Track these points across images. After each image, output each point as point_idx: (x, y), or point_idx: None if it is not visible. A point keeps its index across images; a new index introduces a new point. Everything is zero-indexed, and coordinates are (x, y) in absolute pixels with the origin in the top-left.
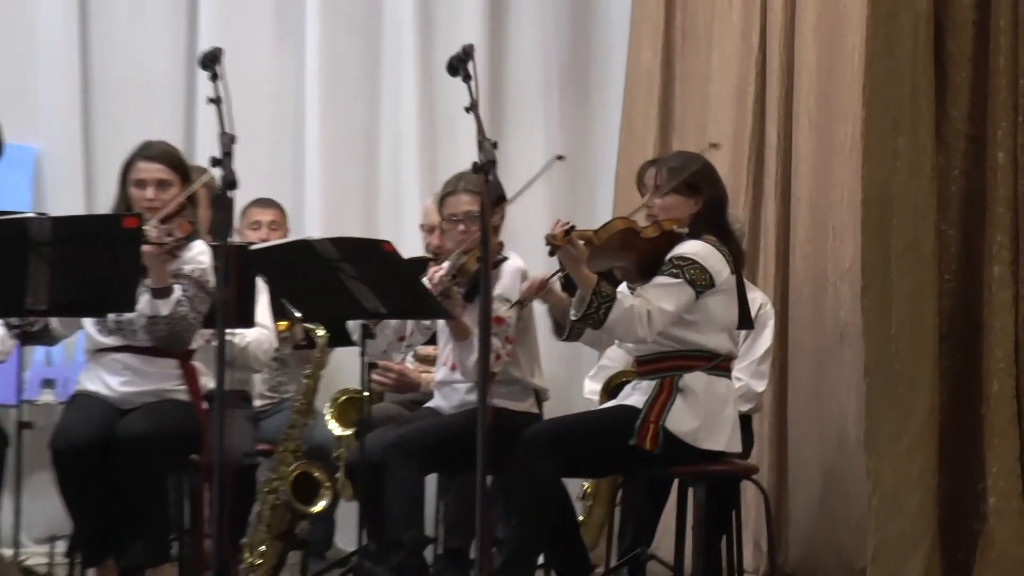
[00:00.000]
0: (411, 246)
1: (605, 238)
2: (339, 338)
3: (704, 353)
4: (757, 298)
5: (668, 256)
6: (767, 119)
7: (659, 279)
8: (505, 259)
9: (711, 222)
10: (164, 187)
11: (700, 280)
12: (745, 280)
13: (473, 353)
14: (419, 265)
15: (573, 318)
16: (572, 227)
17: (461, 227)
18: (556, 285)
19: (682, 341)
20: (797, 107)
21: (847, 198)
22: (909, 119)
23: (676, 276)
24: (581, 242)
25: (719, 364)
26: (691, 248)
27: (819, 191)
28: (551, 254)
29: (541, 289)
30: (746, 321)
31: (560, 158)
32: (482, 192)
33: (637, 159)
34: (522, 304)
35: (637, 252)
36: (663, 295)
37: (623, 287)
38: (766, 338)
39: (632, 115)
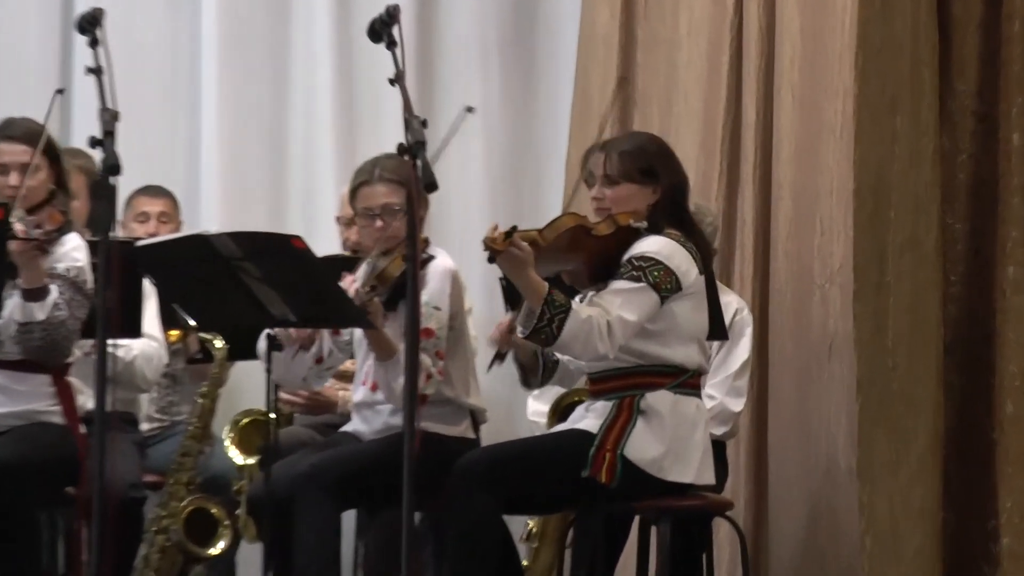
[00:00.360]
0: (326, 242)
1: (553, 238)
2: (240, 350)
3: (669, 368)
4: (732, 303)
5: (626, 256)
6: (744, 93)
7: (617, 284)
8: (431, 258)
9: (672, 213)
10: (29, 172)
11: (665, 283)
12: (718, 282)
13: (401, 374)
14: (336, 264)
15: (521, 334)
16: (514, 228)
17: (378, 223)
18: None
19: (643, 355)
20: (779, 79)
21: (837, 187)
22: (909, 95)
23: (637, 279)
24: (525, 244)
25: (687, 381)
26: (652, 246)
27: (804, 178)
28: (490, 260)
29: (511, 332)
30: (719, 330)
31: (470, 110)
32: (409, 180)
33: (592, 141)
34: (502, 358)
35: (589, 252)
36: (624, 302)
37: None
38: (743, 349)
39: (586, 89)
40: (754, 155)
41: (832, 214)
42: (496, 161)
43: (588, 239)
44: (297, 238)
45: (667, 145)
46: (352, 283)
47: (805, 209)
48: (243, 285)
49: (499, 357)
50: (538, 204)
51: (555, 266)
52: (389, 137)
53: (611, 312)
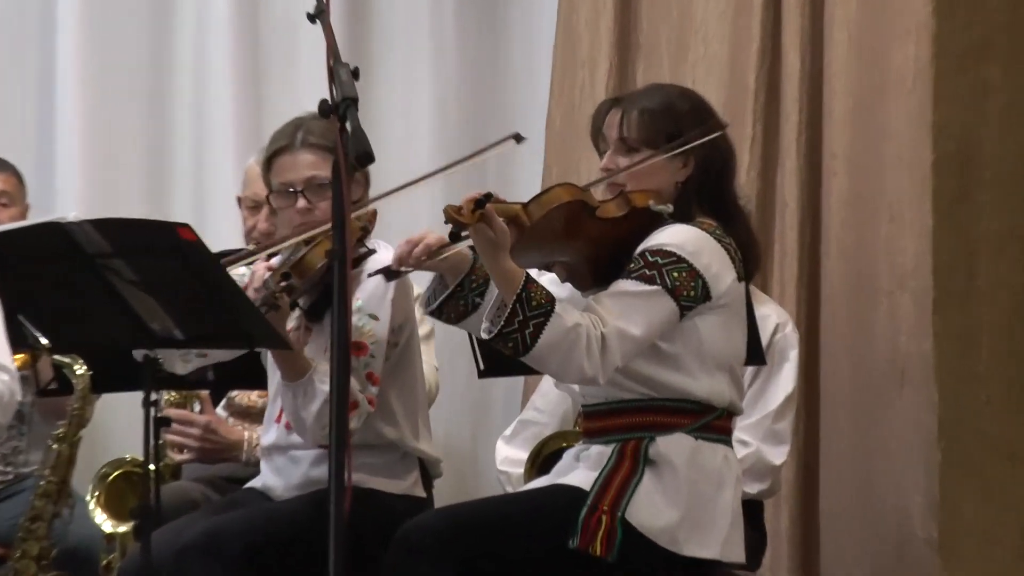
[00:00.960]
0: (223, 232)
1: (540, 216)
2: (109, 378)
3: (689, 404)
4: (770, 316)
5: (639, 248)
6: (784, 33)
7: (622, 284)
8: (370, 252)
9: (709, 196)
10: None
11: (687, 288)
12: (751, 287)
13: (315, 400)
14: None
15: (485, 334)
16: (489, 196)
17: (301, 203)
18: (463, 248)
19: (655, 384)
20: (830, 15)
21: (908, 158)
22: (1005, 36)
23: (649, 280)
24: (501, 221)
25: (713, 422)
26: (675, 237)
27: (865, 147)
28: (453, 237)
29: (432, 252)
30: (756, 354)
31: (519, 139)
32: (336, 147)
33: (581, 99)
34: (394, 274)
35: (590, 240)
36: (626, 310)
37: (564, 290)
38: (785, 380)
39: (572, 28)
40: (798, 116)
41: (902, 196)
42: (453, 123)
43: (590, 222)
44: (184, 227)
45: (706, 103)
46: (260, 268)
47: (866, 189)
48: (112, 291)
49: (389, 274)
50: (510, 180)
51: (542, 256)
52: (305, 95)
53: (608, 321)
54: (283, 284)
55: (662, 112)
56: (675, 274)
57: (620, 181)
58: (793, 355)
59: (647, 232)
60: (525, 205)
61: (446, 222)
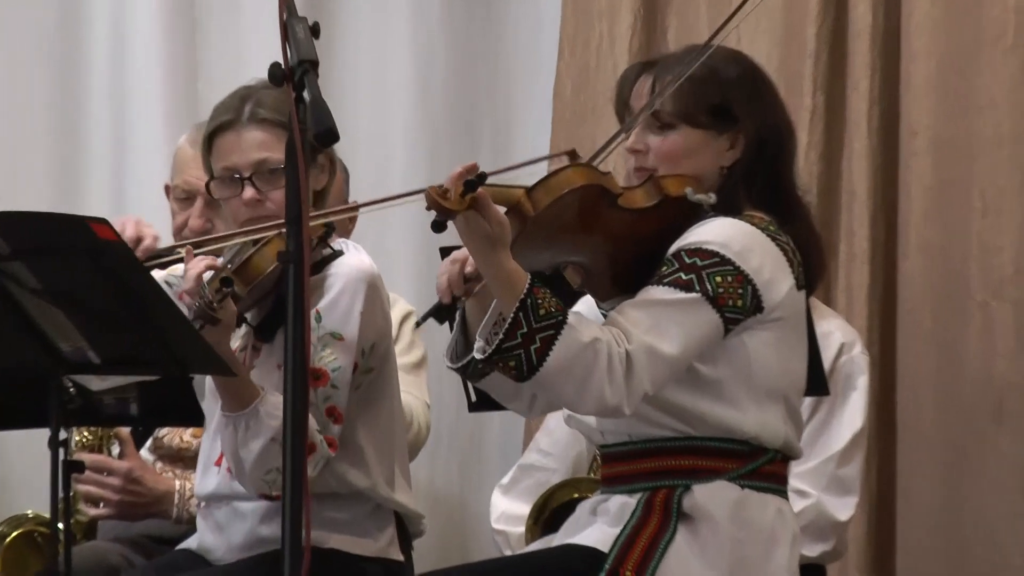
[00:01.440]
0: (156, 226)
1: (548, 203)
2: (5, 413)
3: (734, 444)
4: (834, 333)
5: (674, 247)
6: None
7: (653, 291)
8: (335, 254)
9: (762, 186)
10: None
11: (733, 297)
12: (811, 299)
13: (258, 436)
14: (166, 267)
15: (479, 354)
16: (482, 176)
17: (248, 192)
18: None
19: (692, 417)
20: None
21: (1008, 133)
22: None
23: (686, 286)
24: (498, 209)
25: (763, 467)
26: (719, 233)
27: (953, 120)
28: (437, 227)
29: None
30: (816, 382)
31: (573, 155)
32: (291, 123)
33: (598, 62)
34: (448, 310)
35: (609, 235)
36: (659, 322)
37: (582, 305)
38: (852, 414)
39: None
40: (869, 83)
41: (999, 182)
42: (437, 93)
43: (610, 213)
44: (100, 222)
45: (759, 69)
46: (196, 265)
47: (955, 172)
48: (9, 301)
49: (440, 313)
50: (507, 161)
51: (550, 255)
52: (254, 55)
53: (634, 337)
54: (223, 291)
55: (704, 80)
56: (718, 279)
57: (649, 165)
58: (862, 383)
59: (683, 227)
60: (529, 190)
61: (428, 207)
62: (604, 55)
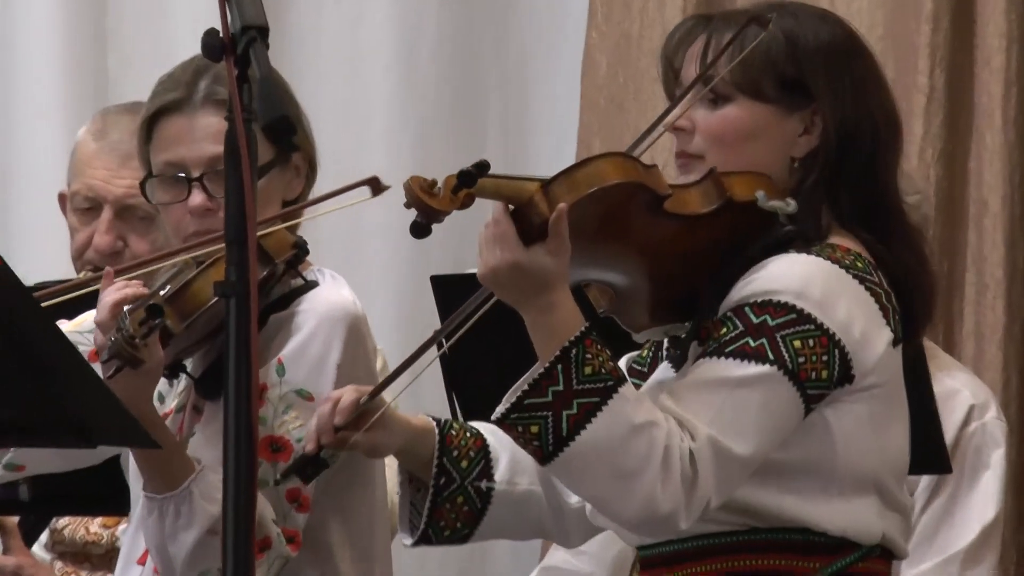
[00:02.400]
0: (39, 252)
1: (570, 204)
2: None
3: (814, 537)
4: (959, 392)
5: (734, 297)
6: None
7: (713, 365)
8: (307, 286)
9: (851, 191)
10: None
11: (816, 367)
12: (927, 342)
13: (191, 526)
14: (63, 307)
15: (494, 417)
16: (483, 166)
17: (197, 198)
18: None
19: (758, 511)
20: None
21: None
22: None
23: (758, 356)
24: (505, 213)
25: (856, 564)
26: (792, 276)
27: None
28: (418, 230)
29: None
30: (934, 457)
31: (377, 189)
32: (232, 107)
33: (642, 25)
34: (316, 464)
35: (651, 249)
36: (727, 409)
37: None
38: (983, 499)
39: None
40: (1005, 56)
41: None
42: (428, 64)
43: (654, 221)
44: None
45: (855, 37)
46: (117, 292)
47: None
48: None
49: (304, 468)
50: (523, 156)
51: (571, 269)
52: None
53: (698, 432)
54: (150, 324)
55: (775, 42)
56: (796, 343)
57: (694, 149)
58: (997, 458)
59: (747, 243)
60: (546, 184)
61: (407, 204)
62: (650, 19)
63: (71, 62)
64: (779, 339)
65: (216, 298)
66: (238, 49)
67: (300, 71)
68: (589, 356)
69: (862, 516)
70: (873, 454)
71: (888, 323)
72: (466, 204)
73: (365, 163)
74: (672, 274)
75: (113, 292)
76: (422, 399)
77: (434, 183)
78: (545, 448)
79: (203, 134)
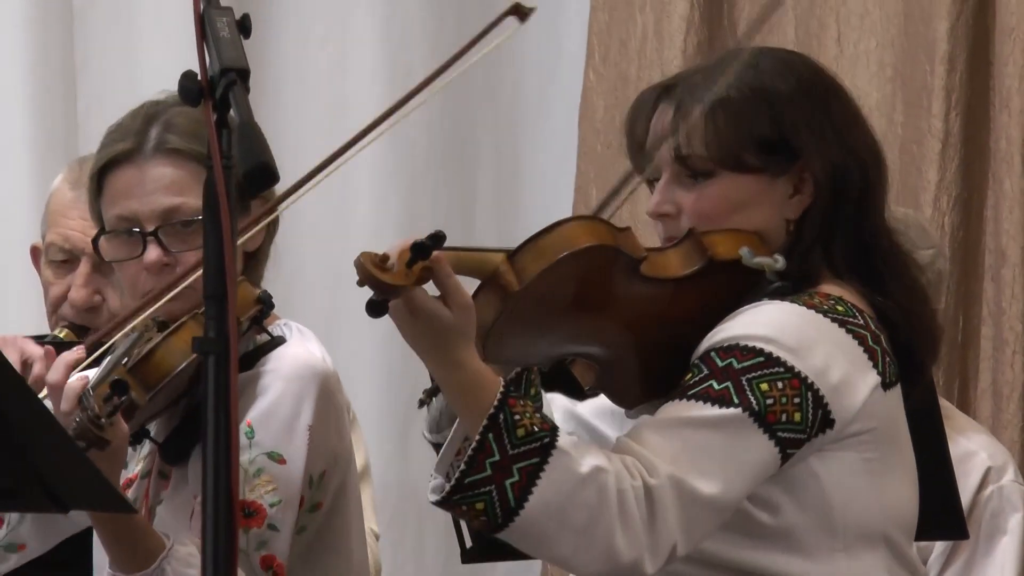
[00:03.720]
0: (11, 308)
1: (538, 272)
2: None
3: None
4: (976, 455)
5: (703, 346)
6: None
7: (675, 408)
8: (274, 342)
9: (843, 240)
10: None
11: (787, 410)
12: (943, 402)
13: None
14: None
15: (434, 495)
16: (438, 237)
17: (153, 253)
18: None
19: (741, 572)
20: None
21: None
22: None
23: (721, 400)
24: (457, 282)
25: None
26: (763, 323)
27: None
28: (374, 309)
29: None
30: (949, 521)
31: (523, 14)
32: (212, 158)
33: (640, 68)
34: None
35: (631, 317)
36: (687, 450)
37: (594, 403)
38: (1001, 568)
39: None
40: (1022, 100)
41: None
42: (421, 119)
43: (631, 286)
44: None
45: (821, 72)
46: (69, 362)
47: None
48: None
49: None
50: (518, 206)
51: (546, 345)
52: (158, 64)
53: (656, 467)
54: (115, 402)
55: (745, 102)
56: (763, 386)
57: (684, 232)
58: (1016, 523)
59: (737, 303)
60: (511, 254)
61: (359, 282)
62: (648, 60)
63: (37, 107)
64: (744, 382)
65: (182, 364)
66: (216, 93)
67: (283, 118)
68: (517, 416)
69: (869, 573)
70: (874, 505)
71: (876, 366)
72: (423, 279)
73: (349, 217)
74: (658, 342)
75: (64, 376)
76: None
77: (386, 257)
78: (494, 522)
79: (155, 186)
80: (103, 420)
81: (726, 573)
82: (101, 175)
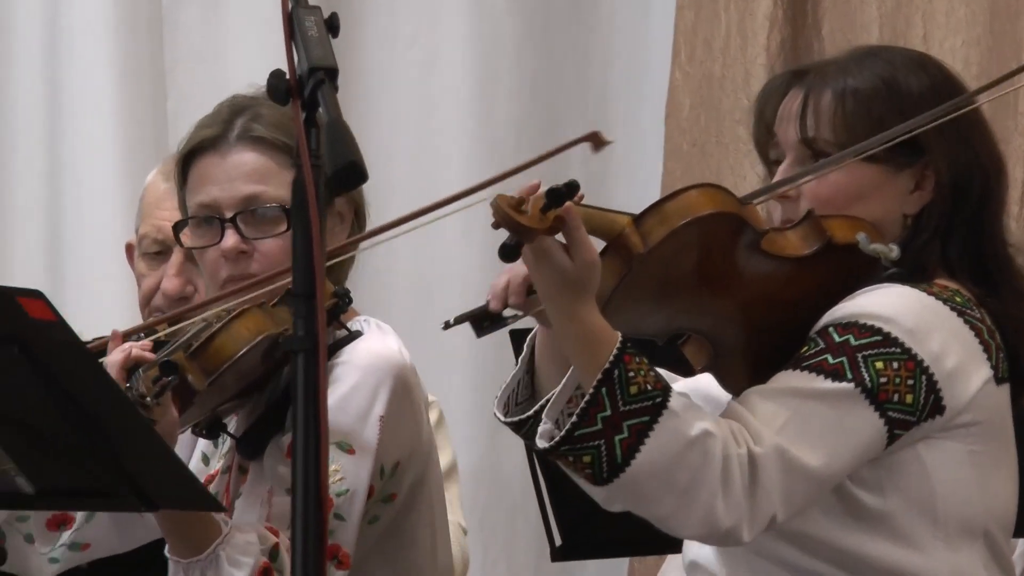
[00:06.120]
0: (102, 303)
1: (663, 236)
2: None
3: None
4: None
5: (823, 320)
6: None
7: (787, 377)
8: (351, 336)
9: (960, 242)
10: None
11: (900, 391)
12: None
13: None
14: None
15: (543, 442)
16: (573, 186)
17: (230, 240)
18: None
19: (849, 561)
20: None
21: None
22: None
23: (834, 373)
24: (587, 237)
25: None
26: (883, 304)
27: None
28: (507, 253)
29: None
30: None
31: (598, 144)
32: (300, 152)
33: (725, 65)
34: (493, 320)
35: (748, 292)
36: (796, 419)
37: (688, 383)
38: None
39: None
40: None
41: None
42: (504, 106)
43: (750, 259)
44: (33, 297)
45: (955, 80)
46: (122, 357)
47: None
48: None
49: (481, 321)
50: (601, 201)
51: (664, 317)
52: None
53: (763, 436)
54: (163, 382)
55: (877, 96)
56: (878, 364)
57: (802, 204)
58: None
59: (851, 288)
60: (637, 217)
61: (495, 224)
62: (732, 59)
63: (127, 105)
64: (860, 359)
65: (242, 350)
66: (305, 92)
67: (371, 116)
68: (631, 374)
69: (967, 567)
70: (977, 499)
71: (990, 359)
72: (555, 228)
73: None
74: (771, 324)
75: (118, 353)
76: None
77: (523, 200)
78: (599, 476)
79: (237, 172)
80: (149, 400)
81: (825, 559)
82: (186, 163)
